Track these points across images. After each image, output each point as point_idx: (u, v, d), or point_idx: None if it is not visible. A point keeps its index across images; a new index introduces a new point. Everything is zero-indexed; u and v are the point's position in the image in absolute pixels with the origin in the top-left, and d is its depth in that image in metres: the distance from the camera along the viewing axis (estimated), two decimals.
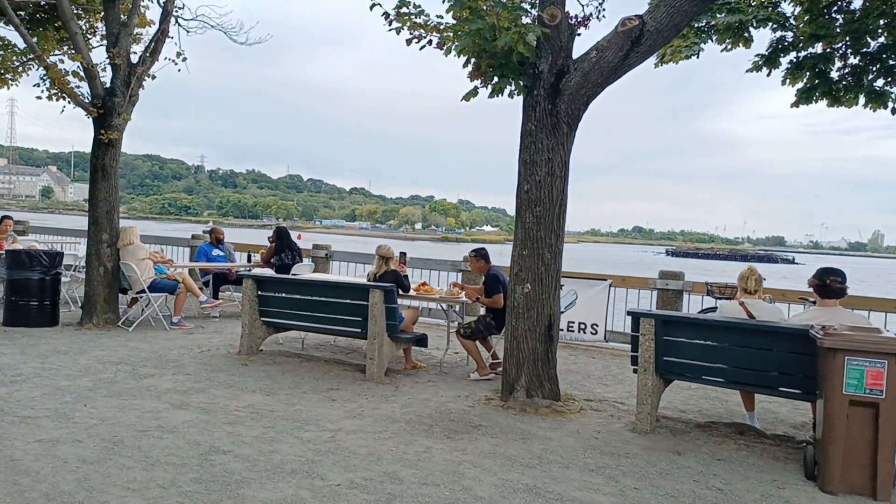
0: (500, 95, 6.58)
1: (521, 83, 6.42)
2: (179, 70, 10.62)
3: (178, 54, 10.49)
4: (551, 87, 6.37)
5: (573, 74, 6.31)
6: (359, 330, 7.79)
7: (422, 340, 7.88)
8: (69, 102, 9.60)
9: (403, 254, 8.86)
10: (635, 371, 6.18)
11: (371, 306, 7.35)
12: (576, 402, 6.78)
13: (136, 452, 4.88)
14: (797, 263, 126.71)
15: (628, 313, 6.18)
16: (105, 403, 6.04)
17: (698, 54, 8.54)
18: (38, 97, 9.76)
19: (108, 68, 9.95)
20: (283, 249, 11.62)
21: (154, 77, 10.29)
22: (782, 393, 5.84)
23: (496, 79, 6.56)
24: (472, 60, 6.70)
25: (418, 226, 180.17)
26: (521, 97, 6.70)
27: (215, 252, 12.13)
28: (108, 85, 9.80)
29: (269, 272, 10.23)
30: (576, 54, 6.49)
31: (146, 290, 9.67)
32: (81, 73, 9.37)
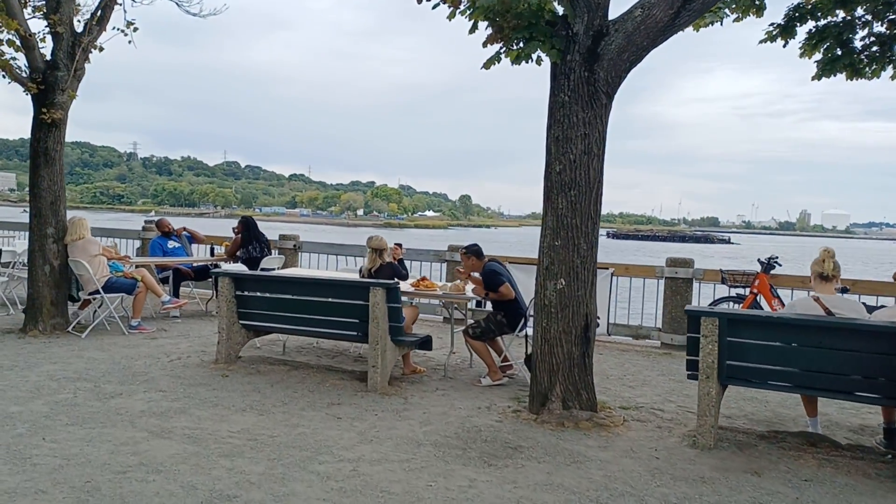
0: (526, 62, 5.71)
1: (553, 47, 5.55)
2: (130, 41, 9.38)
3: (129, 23, 9.26)
4: (588, 52, 5.51)
5: (614, 36, 5.47)
6: (356, 333, 6.87)
7: (426, 343, 6.99)
8: (3, 76, 8.34)
9: (399, 244, 7.92)
10: (690, 377, 5.42)
11: (372, 307, 6.42)
12: (612, 410, 5.99)
13: None
14: (733, 243, 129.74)
15: (686, 311, 5.39)
16: (68, 435, 4.98)
17: (721, 21, 7.79)
18: None
19: (48, 38, 8.73)
20: (250, 241, 10.56)
21: (101, 49, 9.06)
22: (858, 398, 5.15)
23: (521, 43, 5.69)
24: (484, 23, 5.83)
25: (360, 212, 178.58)
26: (547, 64, 5.85)
27: (171, 245, 10.99)
28: (48, 57, 8.58)
29: (239, 267, 9.17)
30: (612, 14, 5.64)
31: (101, 291, 8.52)
32: (17, 42, 8.11)
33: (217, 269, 8.44)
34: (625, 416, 5.92)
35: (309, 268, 11.92)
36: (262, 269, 10.23)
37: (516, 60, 5.73)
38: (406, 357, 7.19)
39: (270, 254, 10.82)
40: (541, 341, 5.78)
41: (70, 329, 8.57)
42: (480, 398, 6.41)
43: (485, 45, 5.97)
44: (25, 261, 10.26)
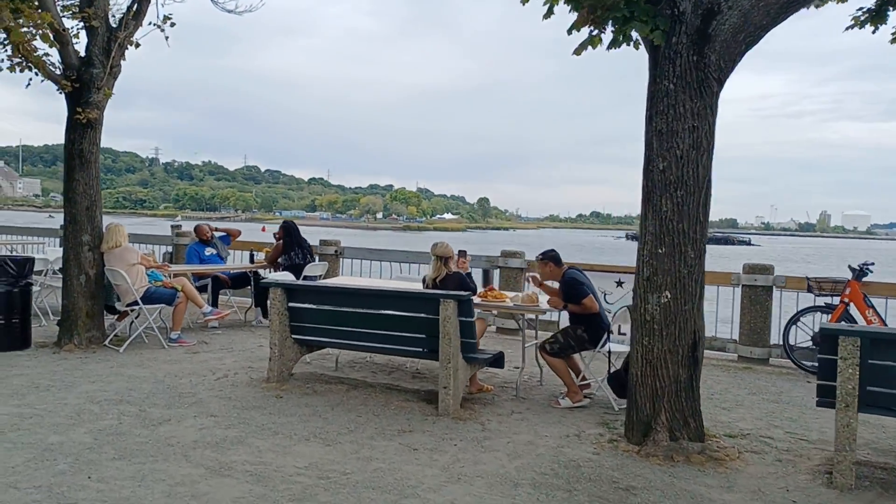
0: (626, 44, 5.07)
1: (656, 28, 4.89)
2: (168, 38, 8.82)
3: (166, 18, 8.69)
4: (697, 33, 4.85)
5: (727, 14, 4.80)
6: (421, 349, 6.25)
7: (498, 360, 6.34)
8: (36, 74, 7.80)
9: (463, 252, 7.28)
10: (820, 404, 4.74)
11: (443, 321, 5.78)
12: (720, 439, 5.31)
13: None
14: (754, 245, 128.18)
15: (822, 331, 4.71)
16: (116, 472, 4.38)
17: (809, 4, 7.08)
18: None
19: (82, 34, 8.20)
20: (292, 247, 9.97)
21: (138, 45, 8.51)
22: None
23: (617, 25, 5.05)
24: (565, 7, 5.21)
25: (379, 215, 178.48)
26: (644, 48, 5.20)
27: (208, 251, 10.42)
28: (83, 54, 8.04)
29: (286, 276, 8.56)
30: None
31: (139, 302, 7.95)
32: (51, 37, 7.55)
33: (267, 280, 7.82)
34: (736, 446, 5.24)
35: (352, 275, 11.32)
36: (306, 277, 9.65)
37: (613, 44, 5.08)
38: (473, 374, 6.56)
39: (313, 260, 10.23)
40: (641, 362, 5.11)
41: (107, 343, 8.02)
42: (565, 423, 5.76)
43: (570, 31, 5.32)
44: (57, 269, 9.75)
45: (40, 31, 7.55)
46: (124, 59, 8.31)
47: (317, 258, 10.93)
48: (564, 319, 7.98)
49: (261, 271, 10.45)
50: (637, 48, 5.15)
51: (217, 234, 10.72)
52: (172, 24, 8.77)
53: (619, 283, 8.84)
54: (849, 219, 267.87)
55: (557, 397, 6.37)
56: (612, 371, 6.25)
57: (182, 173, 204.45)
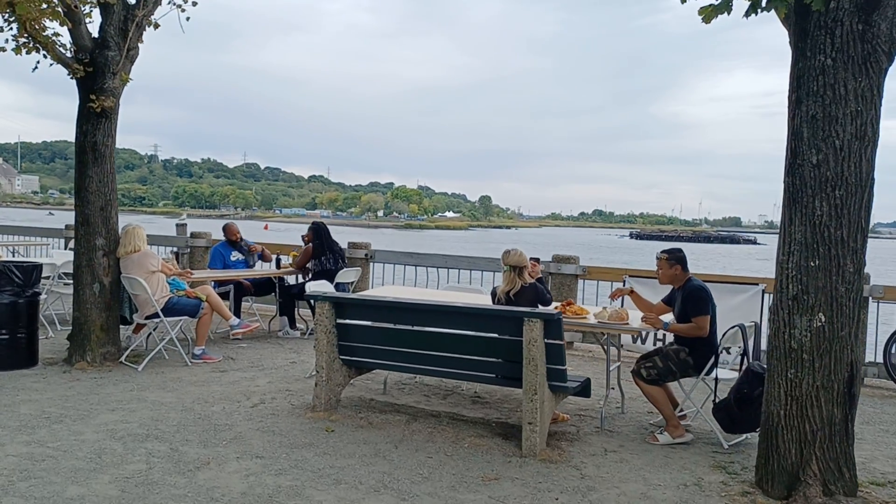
0: (768, 9, 4.17)
1: None
2: (189, 19, 7.88)
3: None
4: None
5: None
6: (495, 375, 5.37)
7: (586, 388, 5.44)
8: (45, 56, 6.89)
9: (536, 259, 6.36)
10: None
11: (528, 344, 4.88)
12: (869, 489, 4.42)
13: None
14: (760, 244, 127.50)
15: None
16: None
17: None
18: (1, 48, 6.96)
19: (95, 14, 7.31)
20: (323, 251, 9.07)
21: (157, 26, 7.61)
22: None
23: None
24: None
25: (380, 213, 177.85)
26: (782, 17, 4.30)
27: (234, 256, 9.51)
28: (95, 35, 7.13)
29: (323, 286, 7.65)
30: None
31: (160, 314, 7.05)
32: (61, 12, 6.63)
33: (312, 292, 6.88)
34: (892, 500, 4.34)
35: (384, 282, 10.42)
36: (337, 285, 8.74)
37: (752, 10, 4.18)
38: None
39: (346, 265, 9.32)
40: (786, 399, 4.21)
41: (123, 359, 7.12)
42: (673, 466, 4.86)
43: None
44: (63, 273, 8.86)
45: (50, 5, 6.64)
46: (142, 42, 7.42)
47: None
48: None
49: (287, 277, 9.57)
50: (783, 14, 4.24)
51: (243, 241, 9.74)
52: (195, 3, 7.86)
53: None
54: None
55: (654, 432, 5.47)
56: (717, 401, 5.35)
57: (181, 170, 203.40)
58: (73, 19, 6.83)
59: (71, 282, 9.61)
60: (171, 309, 7.15)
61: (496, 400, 6.37)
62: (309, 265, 9.12)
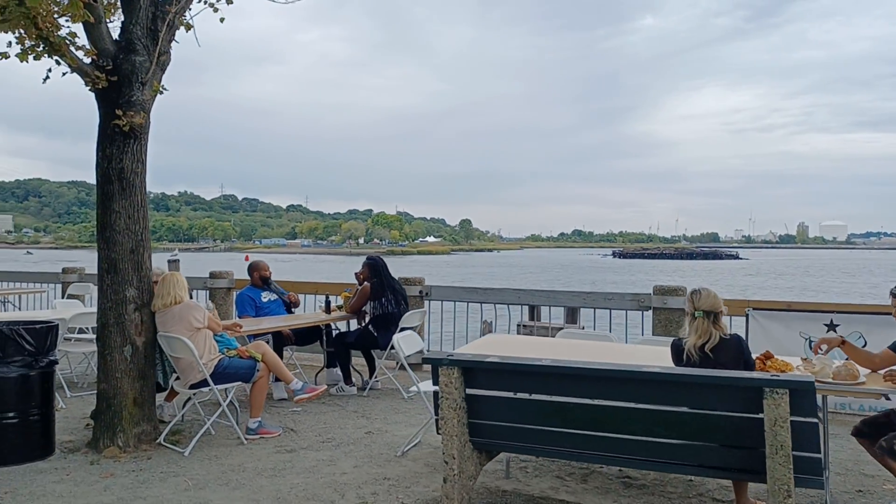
0: None
1: None
2: (223, 20, 6.53)
3: None
4: None
5: None
6: (698, 465, 3.97)
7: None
8: (59, 63, 5.48)
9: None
10: None
11: (771, 424, 3.50)
12: None
13: None
14: (742, 258, 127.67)
15: None
16: None
17: None
18: (4, 54, 5.51)
19: (118, 14, 5.96)
20: (383, 292, 7.65)
21: (189, 26, 6.25)
22: None
23: None
24: None
25: (361, 240, 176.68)
26: None
27: (265, 297, 8.05)
28: (118, 38, 5.76)
29: (414, 337, 6.19)
30: None
31: (210, 381, 5.60)
32: (81, 6, 5.20)
33: (441, 356, 5.38)
34: None
35: (442, 321, 9.01)
36: (402, 330, 7.31)
37: None
38: (743, 489, 4.30)
39: (408, 307, 7.90)
40: None
41: (162, 439, 5.65)
42: None
43: None
44: (72, 326, 7.41)
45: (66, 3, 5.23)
46: (176, 42, 6.05)
47: None
48: None
49: (337, 324, 8.14)
50: None
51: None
52: (230, 2, 6.51)
53: (832, 327, 6.75)
54: (827, 229, 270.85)
55: None
56: None
57: (158, 204, 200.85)
58: (93, 14, 5.42)
59: (78, 336, 8.16)
60: (221, 373, 5.70)
61: (653, 482, 4.98)
62: (367, 308, 7.70)
